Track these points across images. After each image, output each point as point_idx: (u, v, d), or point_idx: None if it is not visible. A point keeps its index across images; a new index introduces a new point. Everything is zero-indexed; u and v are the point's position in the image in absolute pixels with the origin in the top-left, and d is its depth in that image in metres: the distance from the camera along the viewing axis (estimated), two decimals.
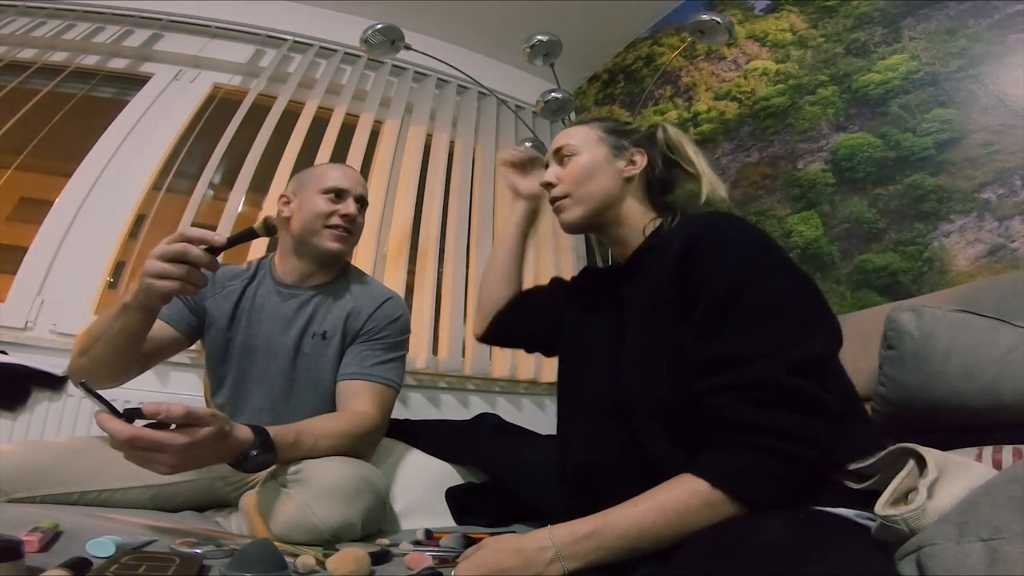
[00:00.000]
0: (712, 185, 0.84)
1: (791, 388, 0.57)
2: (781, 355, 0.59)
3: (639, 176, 0.87)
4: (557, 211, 0.89)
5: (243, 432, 0.77)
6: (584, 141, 0.89)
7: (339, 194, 1.15)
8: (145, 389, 1.53)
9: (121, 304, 0.88)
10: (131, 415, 0.64)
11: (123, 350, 0.93)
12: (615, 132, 0.90)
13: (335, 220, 1.13)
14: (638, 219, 0.86)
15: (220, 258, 0.83)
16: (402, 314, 1.18)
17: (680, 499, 0.56)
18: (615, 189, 0.86)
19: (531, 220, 1.10)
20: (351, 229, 1.15)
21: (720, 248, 0.68)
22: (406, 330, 1.19)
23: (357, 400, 1.05)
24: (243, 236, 0.87)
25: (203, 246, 0.80)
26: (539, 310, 1.02)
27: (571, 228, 0.88)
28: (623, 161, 0.87)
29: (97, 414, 0.64)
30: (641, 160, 0.87)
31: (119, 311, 0.88)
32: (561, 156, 0.89)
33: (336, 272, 1.20)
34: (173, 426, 0.67)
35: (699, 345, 0.64)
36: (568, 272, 2.25)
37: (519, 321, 1.04)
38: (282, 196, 1.20)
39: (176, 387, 1.56)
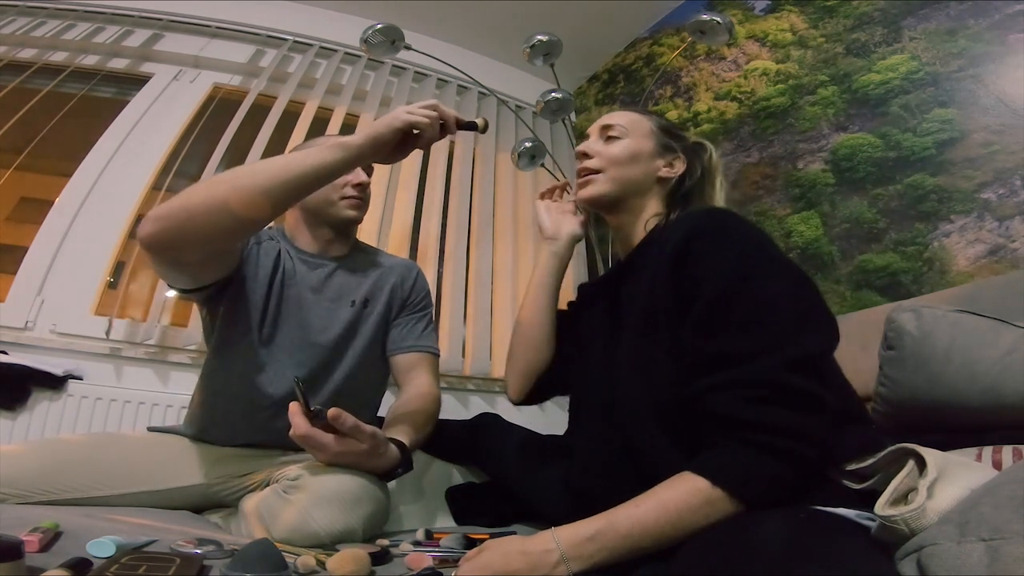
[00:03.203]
0: None
1: (791, 386, 0.57)
2: (781, 352, 0.59)
3: (671, 180, 0.89)
4: (583, 183, 0.89)
5: (393, 453, 0.89)
6: (635, 127, 0.90)
7: None
8: (146, 389, 1.53)
9: (338, 142, 0.83)
10: (316, 414, 0.80)
11: (308, 188, 0.85)
12: (667, 131, 0.91)
13: (348, 191, 1.14)
14: (648, 214, 0.87)
15: None
16: (427, 282, 1.28)
17: (680, 497, 0.56)
18: (645, 183, 0.88)
19: (563, 268, 1.02)
20: (364, 196, 1.18)
21: (717, 244, 0.68)
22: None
23: (419, 373, 1.14)
24: (469, 125, 0.91)
25: (441, 121, 0.86)
26: (567, 356, 0.99)
27: (590, 202, 0.90)
28: (663, 161, 0.89)
29: (292, 405, 0.80)
30: (680, 167, 0.89)
31: (332, 146, 0.82)
32: (607, 134, 0.90)
33: (351, 244, 1.23)
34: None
35: (697, 342, 0.64)
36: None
37: (560, 377, 1.00)
38: None
39: (175, 387, 1.56)
